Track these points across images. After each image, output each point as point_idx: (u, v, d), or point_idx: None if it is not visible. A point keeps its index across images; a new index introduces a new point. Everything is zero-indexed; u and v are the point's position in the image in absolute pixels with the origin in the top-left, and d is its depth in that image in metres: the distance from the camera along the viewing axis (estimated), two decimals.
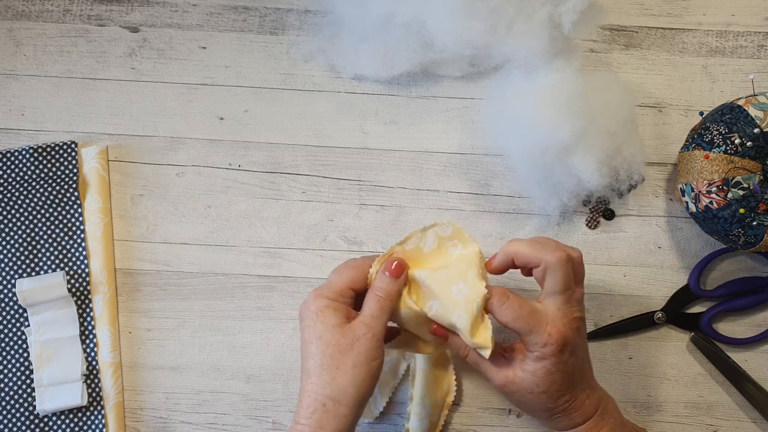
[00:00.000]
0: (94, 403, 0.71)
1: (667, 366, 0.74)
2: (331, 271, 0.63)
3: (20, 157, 0.74)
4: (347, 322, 0.60)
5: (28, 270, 0.72)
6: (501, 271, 0.63)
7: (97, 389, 0.71)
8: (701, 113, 0.72)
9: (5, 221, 0.73)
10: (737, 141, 0.66)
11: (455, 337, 0.63)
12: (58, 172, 0.73)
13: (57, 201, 0.73)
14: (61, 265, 0.72)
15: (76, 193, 0.73)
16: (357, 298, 0.63)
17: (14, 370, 0.71)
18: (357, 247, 0.75)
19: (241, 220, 0.75)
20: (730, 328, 0.74)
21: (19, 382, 0.71)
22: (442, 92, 0.77)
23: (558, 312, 0.60)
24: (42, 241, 0.73)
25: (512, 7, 0.70)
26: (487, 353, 0.61)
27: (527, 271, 0.64)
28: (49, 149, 0.74)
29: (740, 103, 0.68)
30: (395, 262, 0.62)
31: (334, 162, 0.76)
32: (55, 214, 0.73)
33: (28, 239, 0.73)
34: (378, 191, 0.75)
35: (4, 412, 0.70)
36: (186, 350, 0.73)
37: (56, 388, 0.70)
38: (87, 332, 0.72)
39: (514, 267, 0.63)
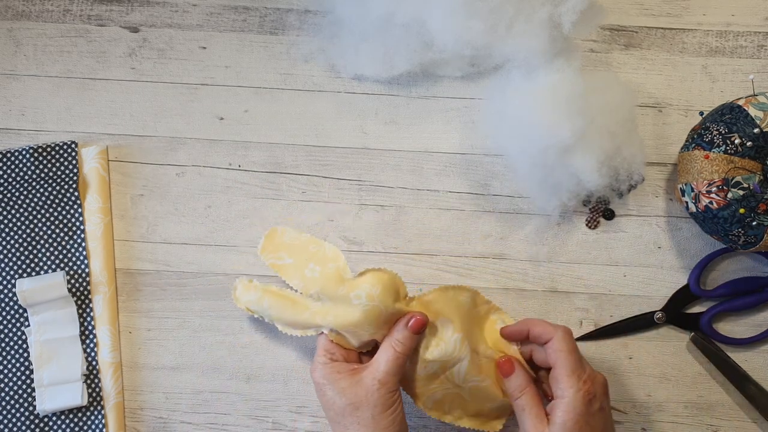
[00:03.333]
0: (94, 403, 0.71)
1: (667, 366, 0.74)
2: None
3: (20, 157, 0.74)
4: (356, 373, 0.62)
5: (28, 270, 0.72)
6: (512, 338, 0.66)
7: (97, 389, 0.71)
8: (701, 113, 0.72)
9: (5, 221, 0.73)
10: (737, 141, 0.66)
11: (515, 376, 0.64)
12: (58, 172, 0.73)
13: (57, 201, 0.73)
14: (61, 265, 0.72)
15: (76, 193, 0.73)
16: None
17: (14, 370, 0.71)
18: (357, 247, 0.75)
19: (241, 220, 0.75)
20: (730, 328, 0.74)
21: (19, 382, 0.71)
22: (442, 92, 0.77)
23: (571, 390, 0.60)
24: (42, 241, 0.73)
25: (512, 7, 0.70)
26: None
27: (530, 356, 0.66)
28: (49, 149, 0.74)
29: (740, 103, 0.68)
30: (416, 317, 0.63)
31: (334, 162, 0.76)
32: (55, 214, 0.73)
33: (28, 239, 0.73)
34: (378, 191, 0.75)
35: (4, 412, 0.70)
36: (186, 350, 0.73)
37: (56, 388, 0.70)
38: (87, 332, 0.72)
39: (527, 339, 0.65)
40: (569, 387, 0.60)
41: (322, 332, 0.65)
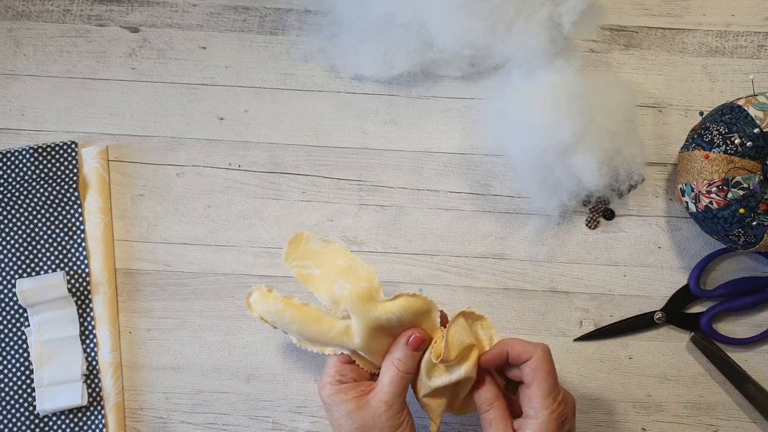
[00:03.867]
0: (94, 403, 0.71)
1: (667, 366, 0.74)
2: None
3: (20, 157, 0.74)
4: (362, 396, 0.61)
5: (28, 270, 0.72)
6: (492, 365, 0.63)
7: (97, 389, 0.71)
8: (701, 113, 0.72)
9: (5, 221, 0.73)
10: (737, 141, 0.66)
11: (485, 390, 0.63)
12: (58, 172, 0.73)
13: (57, 201, 0.73)
14: (61, 265, 0.72)
15: (76, 193, 0.73)
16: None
17: (14, 370, 0.71)
18: (357, 247, 0.75)
19: (241, 220, 0.75)
20: (730, 328, 0.74)
21: (19, 382, 0.71)
22: (442, 92, 0.77)
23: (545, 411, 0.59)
24: (42, 241, 0.73)
25: (512, 7, 0.70)
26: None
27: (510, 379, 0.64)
28: (49, 149, 0.74)
29: (740, 103, 0.68)
30: (415, 335, 0.61)
31: (334, 162, 0.76)
32: (55, 214, 0.73)
33: (28, 239, 0.73)
34: (378, 191, 0.75)
35: (4, 412, 0.70)
36: (186, 350, 0.73)
37: (56, 388, 0.70)
38: (87, 332, 0.72)
39: (506, 363, 0.62)
40: (544, 408, 0.58)
41: (342, 352, 0.63)
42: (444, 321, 0.63)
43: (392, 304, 0.61)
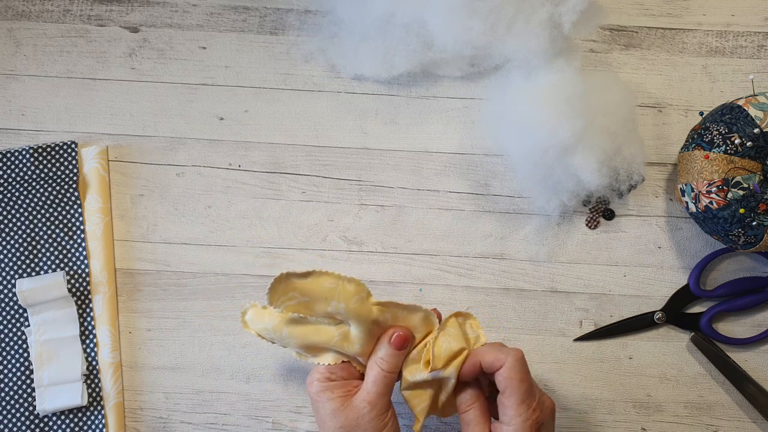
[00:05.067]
0: (94, 403, 0.71)
1: (667, 366, 0.74)
2: None
3: (20, 157, 0.74)
4: (348, 396, 0.60)
5: (28, 270, 0.72)
6: (468, 377, 0.62)
7: (97, 389, 0.71)
8: (701, 113, 0.72)
9: (5, 221, 0.73)
10: (737, 141, 0.66)
11: (466, 390, 0.62)
12: (58, 172, 0.73)
13: (57, 201, 0.73)
14: (61, 265, 0.72)
15: (76, 193, 0.73)
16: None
17: (14, 370, 0.71)
18: (357, 247, 0.75)
19: (241, 220, 0.75)
20: (730, 328, 0.74)
21: (19, 382, 0.71)
22: (442, 92, 0.77)
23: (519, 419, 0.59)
24: (42, 241, 0.73)
25: (512, 7, 0.70)
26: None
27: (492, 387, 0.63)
28: (49, 149, 0.74)
29: (740, 103, 0.68)
30: (398, 333, 0.61)
31: (334, 162, 0.76)
32: (55, 214, 0.73)
33: (28, 239, 0.73)
34: (378, 191, 0.75)
35: (4, 412, 0.70)
36: (186, 350, 0.73)
37: (56, 388, 0.70)
38: (87, 332, 0.72)
39: (482, 372, 0.62)
40: (517, 416, 0.58)
41: (342, 360, 0.63)
42: (438, 318, 0.63)
43: (385, 308, 0.61)
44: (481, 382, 0.63)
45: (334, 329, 0.62)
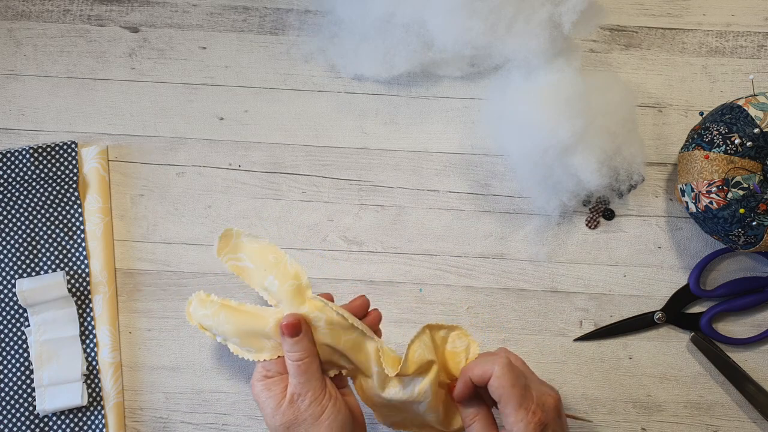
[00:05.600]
0: (94, 403, 0.71)
1: (667, 366, 0.74)
2: None
3: (20, 157, 0.74)
4: (284, 393, 0.60)
5: (28, 270, 0.72)
6: (465, 397, 0.61)
7: (97, 389, 0.71)
8: (701, 113, 0.72)
9: (5, 221, 0.73)
10: (737, 141, 0.66)
11: (469, 403, 0.62)
12: (58, 172, 0.73)
13: (57, 201, 0.73)
14: (61, 265, 0.72)
15: (76, 193, 0.73)
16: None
17: (14, 370, 0.71)
18: (357, 247, 0.75)
19: (241, 220, 0.75)
20: (730, 328, 0.74)
21: (19, 382, 0.71)
22: (442, 92, 0.77)
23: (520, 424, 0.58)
24: (42, 241, 0.73)
25: (512, 7, 0.70)
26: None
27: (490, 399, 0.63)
28: (49, 149, 0.74)
29: (740, 103, 0.68)
30: (284, 323, 0.60)
31: (334, 162, 0.76)
32: (55, 214, 0.73)
33: (28, 239, 0.73)
34: (378, 191, 0.75)
35: (4, 412, 0.70)
36: (186, 350, 0.73)
37: (56, 388, 0.70)
38: (87, 332, 0.72)
39: (476, 389, 0.61)
40: (518, 421, 0.58)
41: (279, 356, 0.62)
42: (377, 319, 0.63)
43: (319, 303, 0.60)
44: (482, 394, 0.63)
45: (269, 316, 0.61)
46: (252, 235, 0.63)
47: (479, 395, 0.62)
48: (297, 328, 0.60)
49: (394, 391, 0.61)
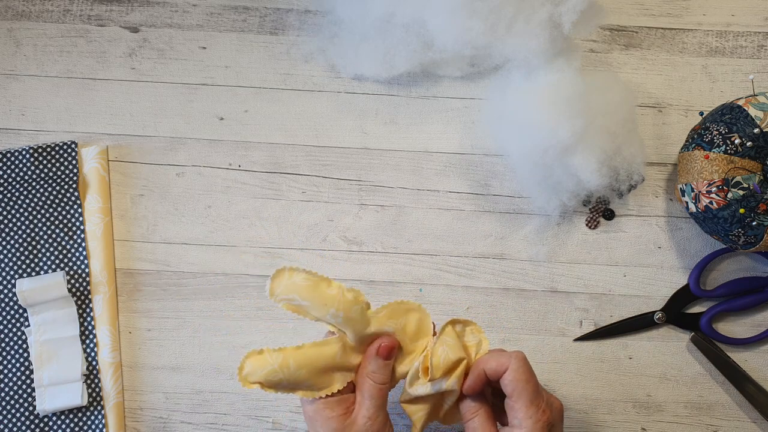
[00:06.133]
0: (94, 403, 0.71)
1: (667, 366, 0.74)
2: None
3: (20, 157, 0.74)
4: (347, 414, 0.60)
5: (28, 270, 0.72)
6: (476, 390, 0.61)
7: (97, 389, 0.71)
8: (701, 113, 0.72)
9: (5, 221, 0.73)
10: (737, 141, 0.66)
11: (470, 397, 0.62)
12: (58, 172, 0.73)
13: (57, 201, 0.73)
14: (61, 265, 0.72)
15: (76, 193, 0.73)
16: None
17: (14, 370, 0.71)
18: (357, 247, 0.75)
19: (241, 220, 0.75)
20: (730, 328, 0.74)
21: (19, 382, 0.71)
22: (442, 92, 0.77)
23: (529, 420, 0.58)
24: (42, 241, 0.73)
25: (512, 7, 0.70)
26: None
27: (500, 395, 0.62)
28: (49, 149, 0.74)
29: (740, 103, 0.68)
30: (383, 344, 0.60)
31: (334, 162, 0.76)
32: (55, 214, 0.73)
33: (28, 239, 0.73)
34: (378, 191, 0.75)
35: (4, 412, 0.70)
36: (186, 350, 0.73)
37: (56, 388, 0.70)
38: (87, 332, 0.72)
39: (489, 383, 0.61)
40: (527, 417, 0.57)
41: (348, 382, 0.61)
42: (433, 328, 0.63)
43: (383, 316, 0.60)
44: (485, 390, 0.63)
45: (333, 344, 0.60)
46: (301, 269, 0.60)
47: (482, 391, 0.62)
48: (393, 351, 0.60)
49: (422, 389, 0.61)
